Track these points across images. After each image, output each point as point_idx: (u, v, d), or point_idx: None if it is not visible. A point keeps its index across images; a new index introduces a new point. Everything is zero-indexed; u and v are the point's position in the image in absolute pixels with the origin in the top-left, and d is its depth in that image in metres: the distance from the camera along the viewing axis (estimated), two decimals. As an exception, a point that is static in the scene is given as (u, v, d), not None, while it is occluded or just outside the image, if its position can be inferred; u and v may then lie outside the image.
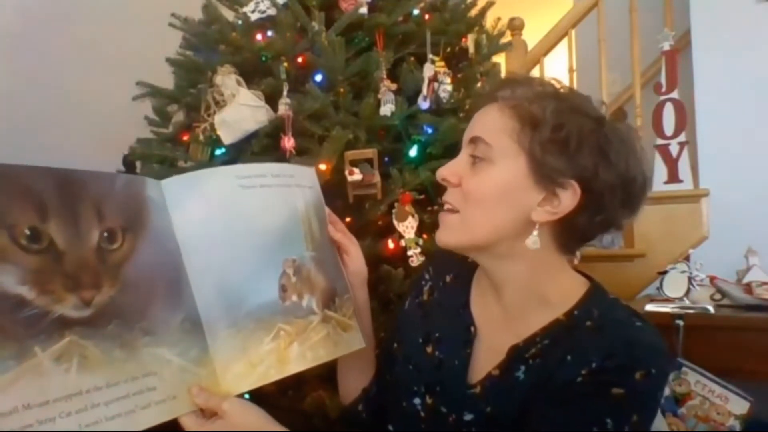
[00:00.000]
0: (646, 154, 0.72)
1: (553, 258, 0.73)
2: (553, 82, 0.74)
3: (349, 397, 0.90)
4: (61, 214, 0.57)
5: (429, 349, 0.82)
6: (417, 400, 0.79)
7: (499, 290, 0.77)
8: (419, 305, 0.88)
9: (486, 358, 0.75)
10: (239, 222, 0.71)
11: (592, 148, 0.67)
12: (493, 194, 0.70)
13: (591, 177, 0.67)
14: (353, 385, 0.90)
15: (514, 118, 0.69)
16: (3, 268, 0.52)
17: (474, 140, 0.72)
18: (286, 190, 0.77)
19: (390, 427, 0.84)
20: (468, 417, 0.73)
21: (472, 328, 0.79)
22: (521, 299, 0.75)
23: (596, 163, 0.67)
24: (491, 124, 0.71)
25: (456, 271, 0.87)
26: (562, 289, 0.74)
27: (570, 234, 0.71)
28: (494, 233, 0.71)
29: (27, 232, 0.54)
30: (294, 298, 0.71)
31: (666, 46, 2.01)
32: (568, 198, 0.67)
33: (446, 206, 0.74)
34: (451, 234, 0.74)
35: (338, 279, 0.82)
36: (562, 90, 0.73)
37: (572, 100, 0.71)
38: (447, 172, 0.73)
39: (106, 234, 0.60)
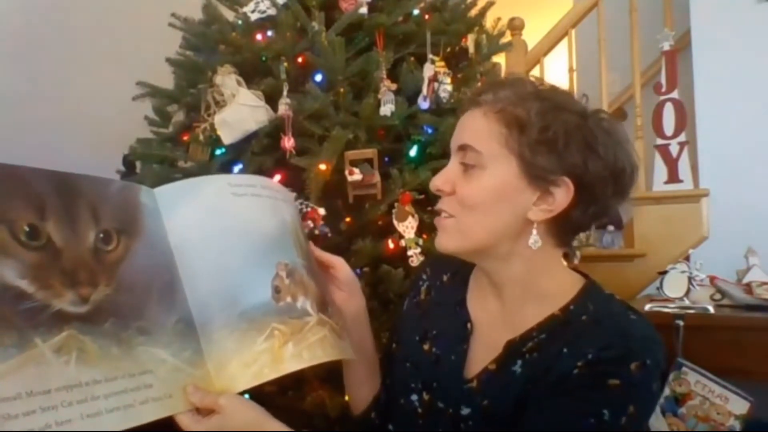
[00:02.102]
0: (632, 143, 0.74)
1: (550, 254, 0.74)
2: (533, 81, 0.75)
3: (360, 406, 0.90)
4: (58, 214, 0.59)
5: (426, 347, 0.82)
6: (414, 397, 0.80)
7: (498, 289, 0.77)
8: (417, 305, 0.89)
9: (483, 354, 0.76)
10: (231, 226, 0.72)
11: (580, 144, 0.68)
12: (488, 199, 0.70)
13: (582, 172, 0.69)
14: (362, 393, 0.90)
15: (500, 123, 0.70)
16: (3, 261, 0.54)
17: (463, 148, 0.72)
18: (274, 202, 0.79)
19: (390, 427, 0.85)
20: (465, 411, 0.74)
21: (469, 325, 0.80)
22: (520, 297, 0.76)
23: (585, 157, 0.68)
24: (478, 131, 0.71)
25: (453, 270, 0.88)
26: (558, 286, 0.75)
27: (566, 228, 0.73)
28: (493, 236, 0.72)
29: (26, 228, 0.56)
30: (288, 299, 0.72)
31: (666, 46, 2.01)
32: (562, 195, 0.69)
33: (442, 214, 0.75)
34: (450, 238, 0.74)
35: (327, 292, 0.83)
36: (542, 88, 0.74)
37: (554, 98, 0.72)
38: (440, 181, 0.74)
39: (101, 235, 0.62)
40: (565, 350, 0.69)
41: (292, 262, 0.75)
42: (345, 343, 0.78)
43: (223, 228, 0.71)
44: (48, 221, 0.58)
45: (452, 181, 0.73)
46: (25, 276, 0.55)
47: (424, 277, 0.91)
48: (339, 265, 0.86)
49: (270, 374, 0.67)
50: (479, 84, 1.48)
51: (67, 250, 0.59)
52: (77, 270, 0.59)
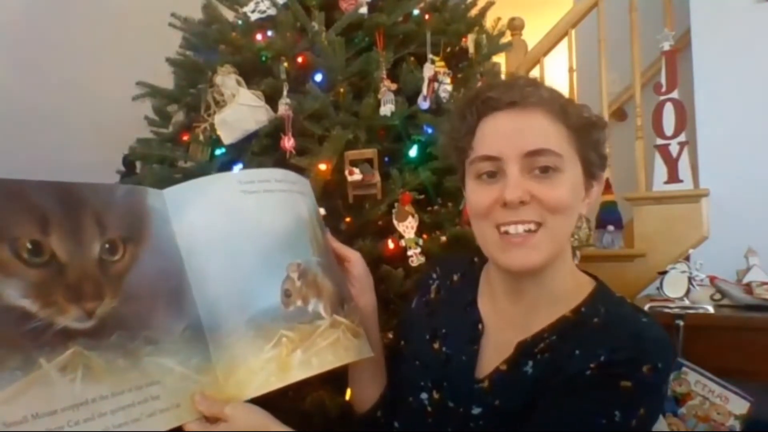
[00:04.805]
0: None
1: (568, 250, 0.77)
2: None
3: (365, 404, 0.90)
4: (62, 227, 0.58)
5: (436, 346, 0.82)
6: (424, 395, 0.80)
7: (520, 292, 0.77)
8: (426, 303, 0.89)
9: (493, 354, 0.77)
10: (240, 227, 0.71)
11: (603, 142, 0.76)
12: (571, 201, 0.71)
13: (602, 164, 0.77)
14: (368, 391, 0.90)
15: (563, 124, 0.71)
16: (6, 281, 0.53)
17: (538, 153, 0.69)
18: (289, 196, 0.77)
19: (396, 424, 0.84)
20: (476, 411, 0.74)
21: (480, 325, 0.80)
22: (537, 298, 0.76)
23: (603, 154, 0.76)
24: (550, 134, 0.70)
25: (462, 270, 0.88)
26: (571, 287, 0.76)
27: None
28: (568, 238, 0.75)
29: (29, 245, 0.55)
30: (298, 303, 0.70)
31: (666, 46, 2.01)
32: (598, 187, 0.76)
33: (526, 226, 0.69)
34: (540, 252, 0.70)
35: (344, 286, 0.81)
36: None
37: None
38: (521, 192, 0.68)
39: (107, 245, 0.61)
40: (577, 352, 0.69)
41: (306, 261, 0.73)
42: (361, 342, 0.77)
43: (231, 230, 0.70)
44: (51, 236, 0.57)
45: (527, 189, 0.69)
46: (29, 295, 0.54)
47: (434, 276, 0.91)
48: (355, 259, 0.86)
49: (276, 383, 0.67)
50: (480, 84, 1.47)
51: (71, 265, 0.57)
52: (82, 284, 0.58)
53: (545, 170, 0.69)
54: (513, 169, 0.69)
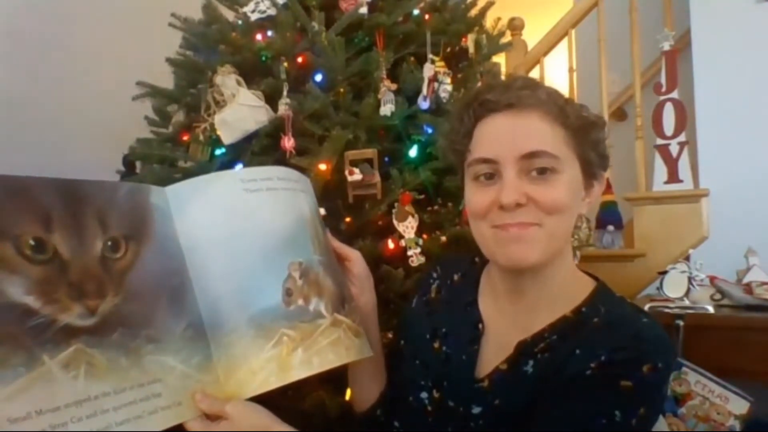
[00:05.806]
0: None
1: (569, 250, 0.77)
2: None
3: (365, 403, 0.90)
4: (65, 225, 0.58)
5: (436, 345, 0.83)
6: (424, 395, 0.80)
7: (520, 292, 0.77)
8: (426, 303, 0.89)
9: (493, 354, 0.77)
10: (242, 226, 0.71)
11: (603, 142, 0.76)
12: (569, 202, 0.71)
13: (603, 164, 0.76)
14: (368, 391, 0.90)
15: (560, 126, 0.71)
16: (9, 278, 0.53)
17: (534, 155, 0.69)
18: (291, 194, 0.77)
19: (396, 423, 0.85)
20: (476, 410, 0.74)
21: (480, 325, 0.80)
22: (538, 298, 0.76)
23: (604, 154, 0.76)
24: (546, 135, 0.70)
25: (463, 270, 0.88)
26: (571, 287, 0.76)
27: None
28: (568, 238, 0.74)
29: (32, 242, 0.55)
30: (300, 302, 0.70)
31: (666, 46, 2.01)
32: (599, 186, 0.76)
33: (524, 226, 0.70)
34: (535, 248, 0.70)
35: (345, 285, 0.81)
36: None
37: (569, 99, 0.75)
38: (517, 196, 0.68)
39: (109, 243, 0.61)
40: (577, 351, 0.69)
41: (308, 259, 0.73)
42: (362, 341, 0.77)
43: (233, 228, 0.70)
44: (54, 233, 0.57)
45: (524, 192, 0.69)
46: (32, 292, 0.54)
47: (435, 275, 0.91)
48: (355, 258, 0.86)
49: (276, 382, 0.67)
50: (479, 84, 1.47)
51: (74, 262, 0.57)
52: (84, 282, 0.58)
53: (542, 172, 0.69)
54: (509, 172, 0.69)
